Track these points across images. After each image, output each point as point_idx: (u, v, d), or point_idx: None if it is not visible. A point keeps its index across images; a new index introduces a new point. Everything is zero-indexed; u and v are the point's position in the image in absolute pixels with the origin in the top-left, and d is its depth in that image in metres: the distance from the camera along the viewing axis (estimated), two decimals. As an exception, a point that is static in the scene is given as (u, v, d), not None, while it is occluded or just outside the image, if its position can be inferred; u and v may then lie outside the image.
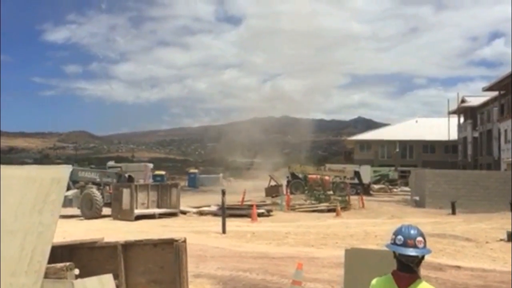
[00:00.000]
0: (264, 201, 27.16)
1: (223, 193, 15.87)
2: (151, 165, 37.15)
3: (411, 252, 2.68)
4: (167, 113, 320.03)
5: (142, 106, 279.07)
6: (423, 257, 2.71)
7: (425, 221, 18.78)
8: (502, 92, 40.63)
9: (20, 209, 2.56)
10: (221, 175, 57.72)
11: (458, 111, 53.78)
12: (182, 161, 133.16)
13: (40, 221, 2.57)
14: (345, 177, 36.88)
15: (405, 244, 2.70)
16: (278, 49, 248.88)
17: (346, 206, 23.34)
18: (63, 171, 2.72)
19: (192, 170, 58.05)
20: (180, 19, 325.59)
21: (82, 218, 19.69)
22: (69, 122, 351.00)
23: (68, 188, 20.32)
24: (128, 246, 4.63)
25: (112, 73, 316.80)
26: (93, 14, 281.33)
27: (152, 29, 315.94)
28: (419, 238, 2.71)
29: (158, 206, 20.54)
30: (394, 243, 2.75)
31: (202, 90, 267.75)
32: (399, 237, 2.73)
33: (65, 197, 18.79)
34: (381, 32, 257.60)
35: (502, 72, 46.87)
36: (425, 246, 2.74)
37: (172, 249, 4.51)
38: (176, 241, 4.56)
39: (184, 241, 4.62)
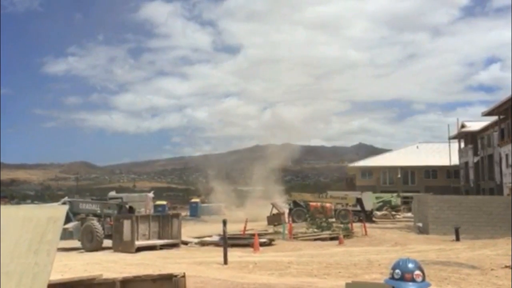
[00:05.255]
0: (266, 230, 26.97)
1: (224, 223, 15.77)
2: (152, 195, 37.01)
3: (409, 286, 2.66)
4: (168, 143, 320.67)
5: (142, 135, 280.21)
6: None
7: (429, 248, 18.60)
8: (501, 116, 40.77)
9: (17, 249, 2.55)
10: (222, 204, 57.44)
11: (459, 136, 53.91)
12: (184, 190, 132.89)
13: (36, 261, 2.56)
14: (347, 204, 36.64)
15: (403, 278, 2.69)
16: (277, 78, 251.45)
17: (348, 234, 23.13)
18: (60, 211, 2.72)
19: (194, 199, 57.73)
20: (178, 50, 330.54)
21: (82, 250, 19.52)
22: (70, 153, 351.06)
23: (69, 220, 20.23)
24: (126, 283, 4.58)
25: (112, 104, 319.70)
26: (93, 46, 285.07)
27: (151, 60, 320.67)
28: (417, 272, 2.70)
29: (160, 237, 20.39)
30: (392, 277, 2.74)
31: (202, 119, 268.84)
32: (397, 271, 2.72)
33: (66, 229, 18.86)
34: (378, 59, 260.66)
35: (501, 96, 47.20)
36: (423, 279, 2.72)
37: (171, 285, 4.46)
38: (175, 276, 4.51)
39: (183, 276, 4.57)
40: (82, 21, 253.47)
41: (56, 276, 5.66)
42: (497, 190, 41.14)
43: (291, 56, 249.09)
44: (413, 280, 2.67)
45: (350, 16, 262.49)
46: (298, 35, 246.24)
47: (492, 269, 12.73)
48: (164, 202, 49.20)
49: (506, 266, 12.90)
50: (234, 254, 16.05)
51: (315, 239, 22.03)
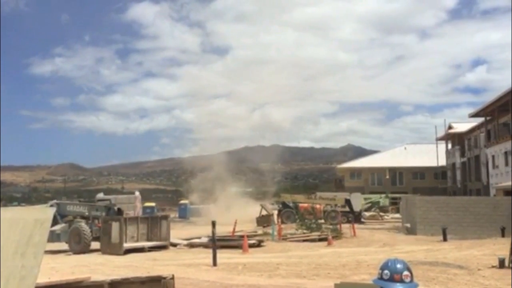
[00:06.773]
0: (255, 231, 26.96)
1: (213, 224, 15.73)
2: (138, 194, 36.76)
3: (398, 287, 2.67)
4: (157, 144, 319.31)
5: (131, 137, 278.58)
6: None
7: (417, 248, 18.72)
8: (488, 118, 41.23)
9: (3, 252, 2.52)
10: (211, 205, 57.28)
11: (446, 138, 54.40)
12: (173, 191, 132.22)
13: (22, 264, 2.53)
14: (336, 205, 36.79)
15: (391, 279, 2.69)
16: (265, 79, 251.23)
17: (337, 235, 23.21)
18: (47, 213, 2.69)
19: (183, 201, 57.53)
20: (166, 51, 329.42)
21: (70, 253, 19.35)
22: (57, 155, 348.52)
23: (56, 223, 20.04)
24: (115, 285, 4.55)
25: (100, 105, 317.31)
26: (80, 47, 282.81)
27: (139, 61, 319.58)
28: (406, 273, 2.70)
29: (148, 239, 20.28)
30: (381, 278, 2.74)
31: (190, 120, 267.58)
32: (386, 271, 2.72)
33: (53, 231, 18.68)
34: (367, 60, 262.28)
35: (487, 98, 47.80)
36: (411, 280, 2.73)
37: (160, 287, 4.44)
38: (164, 278, 4.50)
39: (172, 278, 4.55)
40: (69, 21, 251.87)
41: (43, 279, 5.61)
42: (484, 190, 41.57)
43: (280, 57, 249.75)
44: (401, 280, 2.67)
45: (339, 17, 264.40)
46: (287, 36, 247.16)
47: (479, 269, 12.85)
48: (153, 204, 48.96)
49: (493, 266, 13.04)
50: (223, 255, 16.01)
51: (304, 240, 22.07)
